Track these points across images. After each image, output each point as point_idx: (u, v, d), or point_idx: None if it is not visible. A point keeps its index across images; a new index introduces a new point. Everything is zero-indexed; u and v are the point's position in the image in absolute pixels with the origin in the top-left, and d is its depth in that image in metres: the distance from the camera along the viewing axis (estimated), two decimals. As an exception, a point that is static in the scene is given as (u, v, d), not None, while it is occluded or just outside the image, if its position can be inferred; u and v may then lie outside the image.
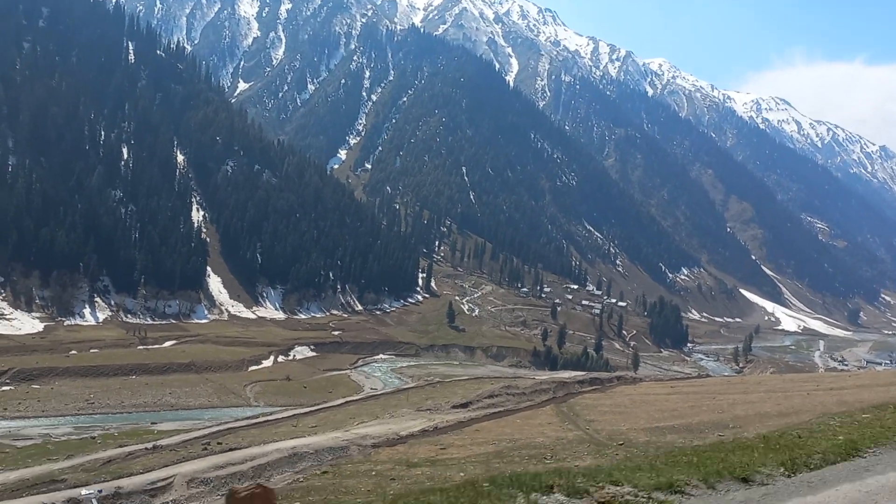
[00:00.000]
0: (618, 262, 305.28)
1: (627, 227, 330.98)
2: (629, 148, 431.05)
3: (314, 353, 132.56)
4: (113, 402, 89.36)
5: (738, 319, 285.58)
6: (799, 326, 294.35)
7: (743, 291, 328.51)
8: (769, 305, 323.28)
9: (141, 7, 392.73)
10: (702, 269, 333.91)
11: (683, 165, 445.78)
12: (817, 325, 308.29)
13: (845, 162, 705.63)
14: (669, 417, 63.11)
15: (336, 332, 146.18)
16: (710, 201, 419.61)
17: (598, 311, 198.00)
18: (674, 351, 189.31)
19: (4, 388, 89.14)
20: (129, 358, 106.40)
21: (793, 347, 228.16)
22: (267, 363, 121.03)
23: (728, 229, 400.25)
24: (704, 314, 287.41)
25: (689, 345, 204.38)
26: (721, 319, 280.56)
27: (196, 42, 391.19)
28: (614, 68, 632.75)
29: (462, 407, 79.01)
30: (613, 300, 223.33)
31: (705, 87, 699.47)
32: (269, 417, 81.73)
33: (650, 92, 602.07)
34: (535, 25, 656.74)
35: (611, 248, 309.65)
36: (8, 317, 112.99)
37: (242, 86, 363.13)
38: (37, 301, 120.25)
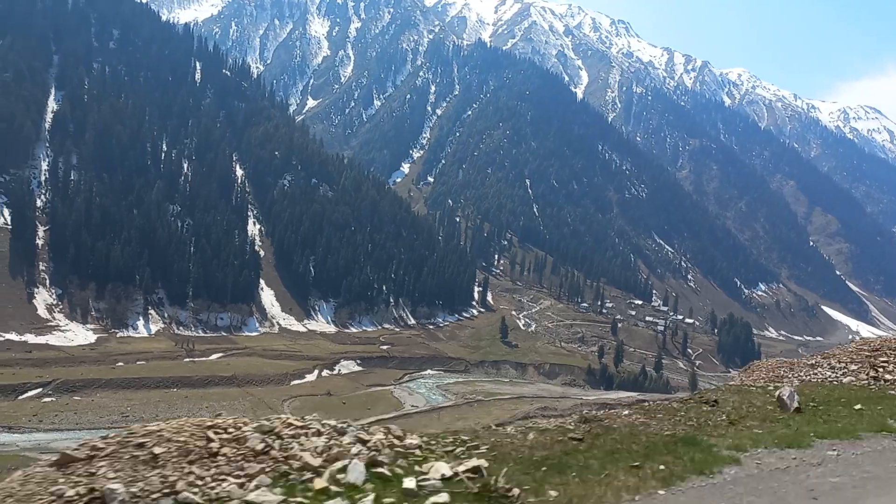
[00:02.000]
0: (689, 276, 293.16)
1: (701, 240, 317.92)
2: (704, 159, 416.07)
3: (360, 368, 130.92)
4: (147, 415, 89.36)
5: (818, 338, 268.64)
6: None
7: (825, 308, 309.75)
8: (854, 323, 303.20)
9: (217, 29, 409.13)
10: (781, 285, 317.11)
11: (763, 177, 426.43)
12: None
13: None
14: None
15: (384, 347, 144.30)
16: (792, 214, 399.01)
17: (661, 328, 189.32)
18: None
19: (46, 399, 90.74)
20: (173, 370, 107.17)
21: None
22: (310, 377, 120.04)
23: (811, 243, 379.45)
24: (782, 332, 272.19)
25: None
26: (800, 338, 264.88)
27: (269, 62, 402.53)
28: (689, 79, 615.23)
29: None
30: (680, 316, 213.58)
31: (787, 96, 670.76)
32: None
33: (727, 102, 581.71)
34: (607, 37, 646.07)
35: (682, 263, 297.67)
36: (63, 328, 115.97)
37: (311, 103, 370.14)
38: (92, 313, 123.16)
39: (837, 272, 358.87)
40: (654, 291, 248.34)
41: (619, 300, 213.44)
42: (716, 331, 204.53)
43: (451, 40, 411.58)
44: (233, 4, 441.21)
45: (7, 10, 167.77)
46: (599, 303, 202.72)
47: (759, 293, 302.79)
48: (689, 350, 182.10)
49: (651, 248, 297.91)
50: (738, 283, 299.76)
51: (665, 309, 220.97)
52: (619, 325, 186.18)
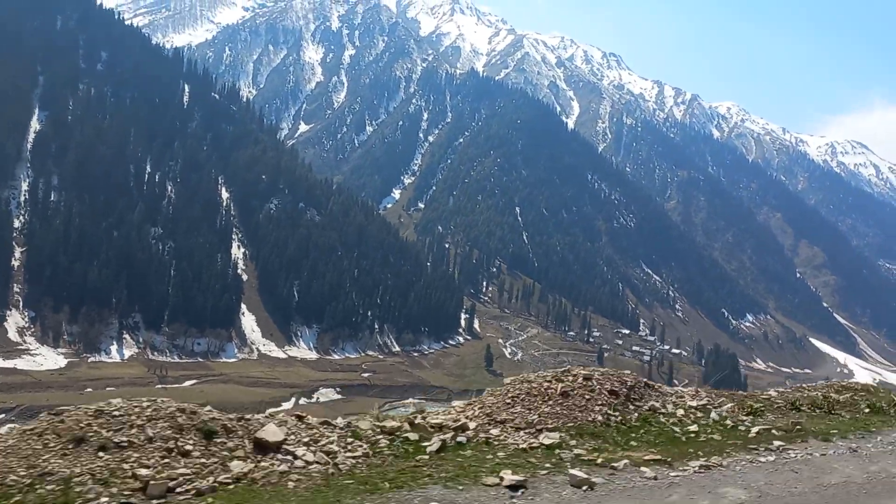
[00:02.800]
0: (677, 306, 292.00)
1: (688, 270, 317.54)
2: (692, 190, 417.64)
3: (340, 396, 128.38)
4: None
5: (806, 370, 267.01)
6: (874, 379, 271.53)
7: (813, 341, 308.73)
8: (841, 356, 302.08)
9: (211, 54, 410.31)
10: (768, 316, 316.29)
11: (750, 209, 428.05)
12: (895, 379, 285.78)
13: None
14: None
15: (366, 374, 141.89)
16: (779, 246, 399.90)
17: (648, 358, 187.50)
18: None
19: (9, 425, 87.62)
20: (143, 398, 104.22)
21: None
22: (287, 406, 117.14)
23: (798, 275, 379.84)
24: (770, 364, 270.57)
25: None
26: (788, 370, 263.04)
27: (262, 86, 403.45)
28: (679, 111, 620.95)
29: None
30: (667, 346, 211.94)
31: (776, 130, 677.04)
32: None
33: (716, 135, 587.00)
34: (598, 70, 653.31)
35: (670, 292, 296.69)
36: (33, 352, 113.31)
37: (303, 127, 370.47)
38: (64, 337, 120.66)
39: (825, 304, 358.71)
40: (641, 321, 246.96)
41: (606, 329, 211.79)
42: (703, 361, 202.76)
43: (445, 69, 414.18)
44: (227, 30, 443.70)
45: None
46: (586, 331, 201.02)
47: (747, 324, 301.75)
48: (675, 381, 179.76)
49: (639, 277, 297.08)
50: (726, 313, 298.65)
51: (652, 339, 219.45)
52: (606, 354, 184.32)
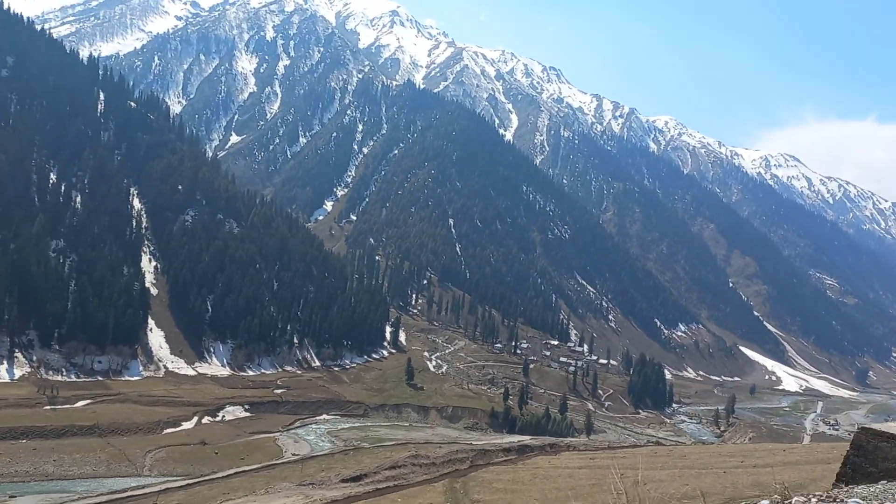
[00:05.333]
0: (610, 317, 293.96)
1: (622, 281, 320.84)
2: (627, 202, 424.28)
3: (248, 414, 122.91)
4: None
5: (736, 378, 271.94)
6: (801, 386, 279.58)
7: (743, 349, 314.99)
8: (770, 364, 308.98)
9: (139, 63, 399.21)
10: (700, 326, 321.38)
11: (684, 220, 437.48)
12: (821, 385, 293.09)
13: (857, 218, 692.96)
14: (563, 498, 53.50)
15: (278, 391, 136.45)
16: (712, 256, 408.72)
17: (573, 369, 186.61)
18: (653, 412, 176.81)
19: None
20: (25, 419, 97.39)
21: (787, 409, 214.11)
22: (188, 425, 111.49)
23: (730, 284, 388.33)
24: (701, 372, 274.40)
25: (674, 405, 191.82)
26: (718, 378, 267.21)
27: (192, 96, 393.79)
28: (617, 125, 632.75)
29: (354, 480, 69.56)
30: (594, 357, 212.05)
31: (712, 143, 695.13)
32: (136, 492, 72.72)
33: (653, 148, 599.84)
34: (538, 83, 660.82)
35: (603, 303, 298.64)
36: None
37: (234, 139, 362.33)
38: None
39: (755, 313, 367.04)
40: (573, 332, 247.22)
41: (535, 340, 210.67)
42: (631, 371, 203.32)
43: (381, 80, 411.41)
44: (157, 39, 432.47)
45: None
46: (514, 343, 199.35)
47: (679, 334, 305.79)
48: (599, 391, 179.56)
49: (573, 288, 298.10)
50: (659, 323, 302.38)
51: (581, 349, 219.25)
52: (532, 365, 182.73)
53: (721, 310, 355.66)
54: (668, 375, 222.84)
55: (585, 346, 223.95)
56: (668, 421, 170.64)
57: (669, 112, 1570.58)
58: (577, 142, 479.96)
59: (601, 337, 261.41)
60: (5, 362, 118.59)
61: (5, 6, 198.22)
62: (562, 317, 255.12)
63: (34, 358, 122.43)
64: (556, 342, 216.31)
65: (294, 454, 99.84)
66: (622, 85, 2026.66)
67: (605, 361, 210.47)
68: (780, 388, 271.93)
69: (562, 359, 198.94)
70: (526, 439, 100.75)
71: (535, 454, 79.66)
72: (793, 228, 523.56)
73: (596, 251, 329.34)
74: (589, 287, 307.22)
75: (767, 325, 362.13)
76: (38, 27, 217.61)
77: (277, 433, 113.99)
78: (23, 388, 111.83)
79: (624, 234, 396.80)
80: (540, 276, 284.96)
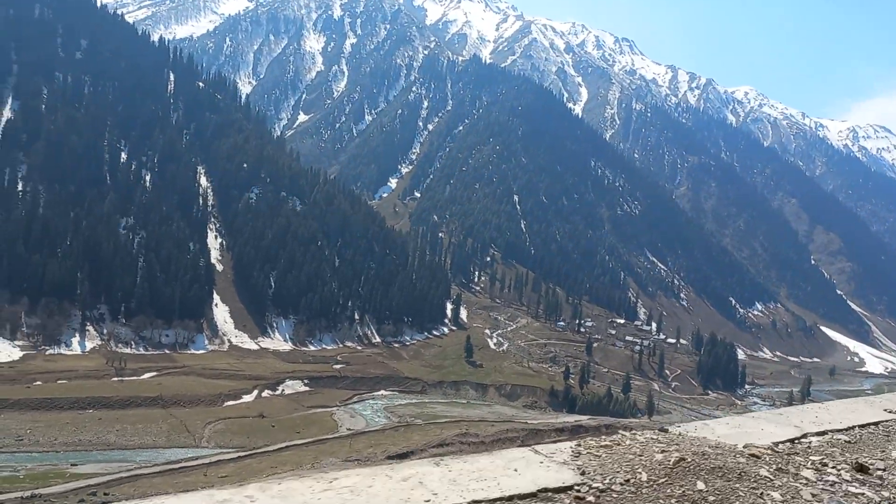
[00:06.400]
0: (682, 295, 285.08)
1: (695, 258, 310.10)
2: (703, 176, 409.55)
3: (306, 388, 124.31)
4: (45, 440, 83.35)
5: (815, 359, 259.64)
6: (886, 368, 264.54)
7: (824, 329, 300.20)
8: (853, 344, 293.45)
9: (211, 45, 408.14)
10: (779, 305, 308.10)
11: (763, 195, 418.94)
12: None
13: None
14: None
15: (337, 366, 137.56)
16: (793, 232, 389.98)
17: (639, 348, 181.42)
18: (724, 394, 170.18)
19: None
20: (93, 390, 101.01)
21: (869, 392, 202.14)
22: (248, 398, 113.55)
23: (812, 262, 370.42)
24: (777, 353, 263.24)
25: (747, 386, 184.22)
26: (795, 359, 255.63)
27: (262, 76, 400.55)
28: (693, 96, 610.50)
29: (399, 457, 68.56)
30: (663, 336, 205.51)
31: (795, 114, 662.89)
32: (189, 463, 73.96)
33: (731, 120, 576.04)
34: (610, 55, 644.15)
35: (675, 281, 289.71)
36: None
37: (302, 117, 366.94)
38: (22, 329, 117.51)
39: (839, 291, 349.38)
40: (642, 310, 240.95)
41: (600, 318, 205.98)
42: (701, 350, 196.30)
43: (447, 56, 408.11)
44: (229, 21, 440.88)
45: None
46: (578, 321, 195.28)
47: (756, 313, 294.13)
48: (666, 371, 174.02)
49: (643, 265, 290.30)
50: (734, 302, 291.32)
51: (648, 328, 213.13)
52: (595, 344, 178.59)
53: (801, 288, 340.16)
54: (741, 356, 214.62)
55: (654, 325, 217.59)
56: (739, 403, 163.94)
57: (749, 82, 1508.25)
58: (649, 115, 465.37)
59: (671, 316, 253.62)
60: (77, 335, 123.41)
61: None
62: (630, 295, 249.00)
63: (104, 331, 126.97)
64: (622, 320, 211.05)
65: (349, 429, 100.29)
66: (699, 55, 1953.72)
67: (673, 341, 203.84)
68: (863, 370, 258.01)
69: (627, 337, 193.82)
70: (583, 419, 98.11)
71: (588, 435, 77.01)
72: (882, 202, 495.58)
73: (668, 227, 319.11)
74: (660, 264, 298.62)
75: (851, 304, 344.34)
76: (112, 11, 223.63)
77: (334, 408, 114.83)
78: (93, 360, 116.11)
79: (699, 209, 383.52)
80: (608, 252, 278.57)
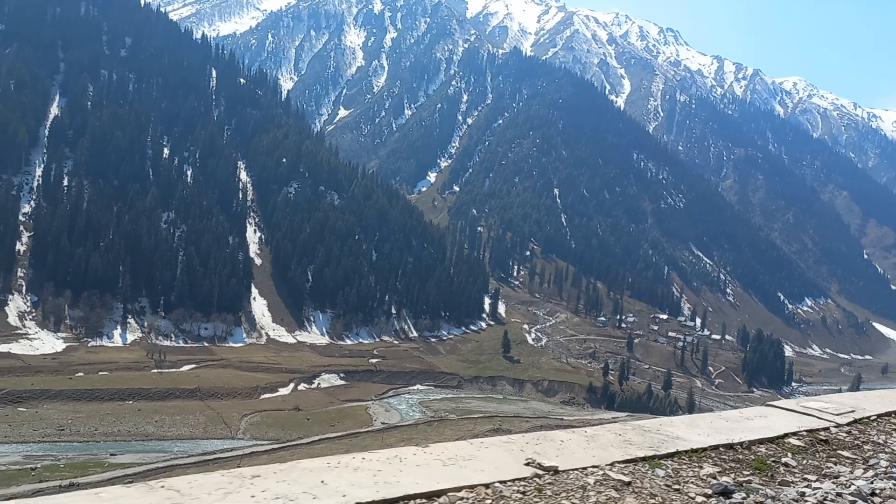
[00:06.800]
0: (728, 290, 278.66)
1: (742, 252, 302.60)
2: (750, 169, 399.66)
3: (342, 382, 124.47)
4: (85, 430, 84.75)
5: (867, 357, 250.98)
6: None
7: (877, 325, 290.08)
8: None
9: (254, 41, 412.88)
10: (829, 300, 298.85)
11: (813, 187, 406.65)
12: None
13: None
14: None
15: (373, 361, 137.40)
16: (844, 226, 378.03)
17: (681, 344, 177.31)
18: (769, 391, 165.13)
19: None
20: (133, 382, 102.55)
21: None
22: (284, 391, 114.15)
23: (864, 256, 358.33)
24: (827, 350, 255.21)
25: (794, 384, 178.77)
26: (846, 356, 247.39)
27: (303, 72, 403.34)
28: (740, 87, 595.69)
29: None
30: (707, 332, 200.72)
31: (846, 105, 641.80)
32: (224, 454, 74.25)
33: (779, 111, 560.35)
34: (654, 46, 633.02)
35: (721, 276, 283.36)
36: (31, 336, 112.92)
37: (342, 112, 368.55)
38: (66, 321, 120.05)
39: (893, 287, 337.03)
40: (687, 305, 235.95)
41: (642, 314, 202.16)
42: (747, 347, 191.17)
43: (487, 49, 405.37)
44: (271, 17, 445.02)
45: (17, 20, 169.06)
46: (619, 317, 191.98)
47: (805, 309, 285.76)
48: (710, 368, 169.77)
49: (687, 260, 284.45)
50: (782, 297, 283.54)
51: (692, 324, 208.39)
52: (637, 340, 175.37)
53: (853, 283, 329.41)
54: (789, 352, 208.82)
55: (698, 321, 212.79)
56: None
57: (798, 73, 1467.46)
58: (694, 106, 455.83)
59: (717, 311, 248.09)
60: (119, 327, 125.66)
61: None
62: (674, 290, 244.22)
63: (145, 324, 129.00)
64: (665, 316, 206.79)
65: (383, 423, 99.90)
66: (746, 46, 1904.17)
67: (717, 337, 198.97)
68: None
69: (670, 333, 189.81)
70: (620, 416, 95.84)
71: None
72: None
73: (714, 221, 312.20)
74: (705, 259, 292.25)
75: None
76: (155, 9, 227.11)
77: (369, 402, 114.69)
78: (133, 353, 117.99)
79: (745, 202, 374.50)
80: (651, 247, 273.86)
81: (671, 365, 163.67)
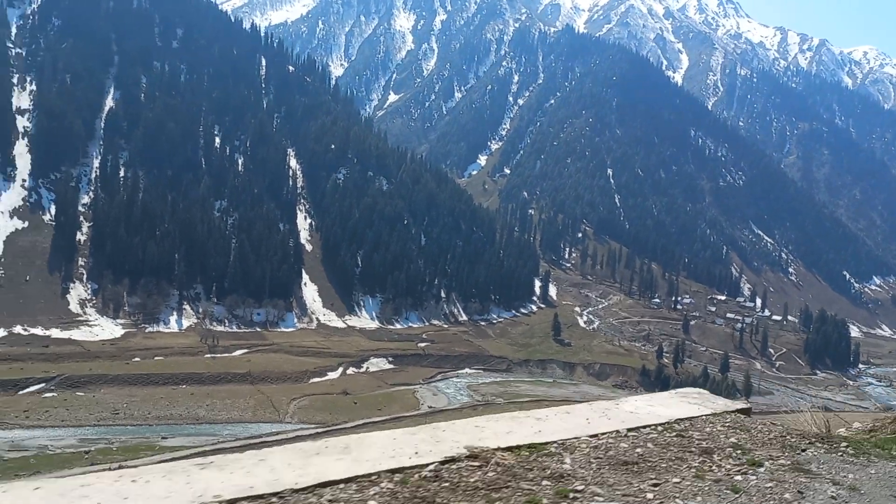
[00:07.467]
0: (790, 270, 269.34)
1: (805, 231, 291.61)
2: (814, 144, 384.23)
3: (391, 366, 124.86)
4: (139, 413, 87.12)
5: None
6: None
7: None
8: None
9: (304, 29, 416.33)
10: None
11: (883, 161, 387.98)
12: None
13: None
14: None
15: (422, 344, 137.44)
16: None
17: (740, 326, 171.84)
18: (833, 373, 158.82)
19: (48, 394, 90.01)
20: (187, 367, 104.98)
21: None
22: (333, 375, 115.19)
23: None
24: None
25: (861, 366, 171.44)
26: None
27: (353, 58, 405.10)
28: (805, 59, 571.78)
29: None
30: (767, 313, 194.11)
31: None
32: (271, 438, 75.22)
33: (847, 83, 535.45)
34: (713, 19, 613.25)
35: (783, 255, 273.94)
36: (91, 323, 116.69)
37: (392, 97, 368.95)
38: (125, 308, 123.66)
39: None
40: (747, 286, 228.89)
41: (699, 295, 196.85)
42: (810, 328, 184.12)
43: (538, 28, 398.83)
44: (321, 4, 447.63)
45: (72, 14, 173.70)
46: (674, 298, 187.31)
47: (873, 287, 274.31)
48: (770, 350, 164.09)
49: (747, 239, 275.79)
50: (848, 276, 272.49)
51: (752, 305, 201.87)
52: (693, 321, 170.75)
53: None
54: (855, 333, 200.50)
55: (758, 301, 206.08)
56: (851, 383, 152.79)
57: (869, 42, 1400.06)
58: (755, 80, 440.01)
59: (779, 292, 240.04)
60: (175, 313, 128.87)
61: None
62: (733, 270, 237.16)
63: (200, 310, 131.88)
64: (722, 297, 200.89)
65: (430, 406, 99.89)
66: (811, 16, 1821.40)
67: (778, 318, 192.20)
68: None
69: (728, 315, 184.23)
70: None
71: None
72: None
73: (775, 198, 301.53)
74: (766, 237, 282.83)
75: None
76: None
77: (417, 385, 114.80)
78: (188, 338, 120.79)
79: (809, 179, 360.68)
80: (709, 226, 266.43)
81: (729, 347, 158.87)
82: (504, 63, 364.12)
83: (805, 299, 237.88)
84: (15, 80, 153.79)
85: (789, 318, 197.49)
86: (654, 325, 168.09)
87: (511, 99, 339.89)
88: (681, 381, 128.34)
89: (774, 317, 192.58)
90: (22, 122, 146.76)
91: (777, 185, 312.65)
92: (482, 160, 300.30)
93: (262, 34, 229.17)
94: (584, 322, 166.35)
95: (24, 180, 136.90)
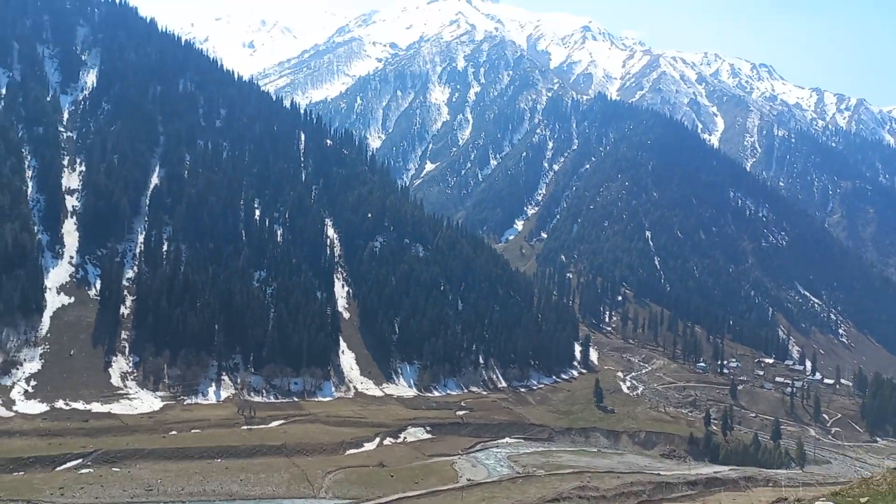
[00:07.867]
0: (841, 331, 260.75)
1: (854, 291, 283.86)
2: (858, 202, 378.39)
3: (429, 436, 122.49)
4: (173, 489, 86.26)
5: None
6: None
7: None
8: None
9: (343, 105, 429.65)
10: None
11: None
12: None
13: None
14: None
15: (460, 413, 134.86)
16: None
17: (790, 390, 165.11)
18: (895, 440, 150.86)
19: (84, 470, 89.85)
20: (222, 439, 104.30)
21: None
22: (369, 446, 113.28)
23: None
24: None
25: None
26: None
27: (390, 131, 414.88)
28: (843, 118, 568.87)
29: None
30: (818, 376, 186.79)
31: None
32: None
33: (889, 140, 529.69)
34: (747, 82, 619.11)
35: (831, 316, 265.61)
36: (131, 396, 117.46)
37: (429, 166, 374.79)
38: (165, 380, 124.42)
39: None
40: (795, 349, 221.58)
41: (745, 359, 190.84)
42: (866, 393, 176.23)
43: (571, 96, 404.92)
44: (359, 81, 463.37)
45: (121, 98, 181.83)
46: (720, 362, 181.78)
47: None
48: (824, 415, 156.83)
49: (793, 300, 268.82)
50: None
51: (801, 368, 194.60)
52: (741, 386, 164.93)
53: None
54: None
55: (808, 364, 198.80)
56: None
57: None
58: (793, 140, 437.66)
59: (829, 354, 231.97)
60: (213, 384, 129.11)
61: (219, 65, 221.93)
62: (780, 332, 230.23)
63: (238, 380, 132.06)
64: (770, 360, 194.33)
65: (468, 479, 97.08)
66: (846, 76, 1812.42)
67: (831, 381, 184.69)
68: None
69: (777, 379, 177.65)
70: (722, 471, 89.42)
71: (721, 489, 69.45)
72: None
73: (821, 258, 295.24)
74: (813, 298, 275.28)
75: None
76: (248, 81, 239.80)
77: (456, 456, 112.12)
78: (226, 409, 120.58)
79: (855, 238, 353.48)
80: (753, 287, 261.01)
81: (780, 412, 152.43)
82: (538, 130, 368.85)
83: (858, 361, 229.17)
84: (66, 162, 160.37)
85: (842, 381, 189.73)
86: (700, 390, 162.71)
87: (546, 165, 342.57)
88: (731, 450, 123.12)
89: (826, 380, 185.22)
90: (71, 202, 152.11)
91: (822, 245, 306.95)
92: (518, 225, 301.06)
93: (302, 111, 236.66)
94: (628, 388, 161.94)
95: (71, 257, 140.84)
